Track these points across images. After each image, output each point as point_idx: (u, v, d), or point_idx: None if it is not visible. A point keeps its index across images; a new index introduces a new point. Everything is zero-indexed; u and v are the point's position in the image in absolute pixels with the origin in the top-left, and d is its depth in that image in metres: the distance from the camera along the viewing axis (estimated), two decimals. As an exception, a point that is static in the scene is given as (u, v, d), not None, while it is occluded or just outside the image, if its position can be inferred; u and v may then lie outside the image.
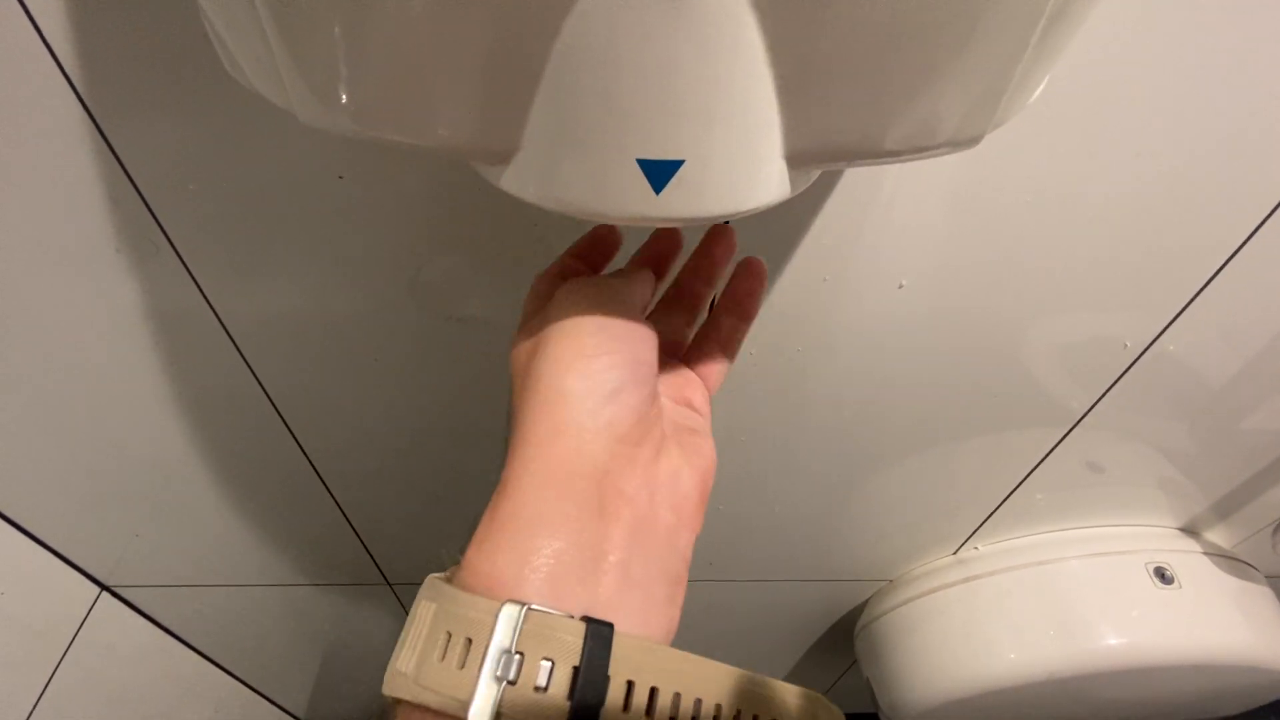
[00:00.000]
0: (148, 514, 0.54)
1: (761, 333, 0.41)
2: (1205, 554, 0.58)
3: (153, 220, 0.34)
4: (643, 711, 0.16)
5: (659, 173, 0.14)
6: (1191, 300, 0.40)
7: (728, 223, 0.27)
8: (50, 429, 0.46)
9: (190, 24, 0.27)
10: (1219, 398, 0.47)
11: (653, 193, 0.15)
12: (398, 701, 0.17)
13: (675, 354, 0.26)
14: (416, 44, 0.14)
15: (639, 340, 0.21)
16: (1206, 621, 0.55)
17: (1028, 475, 0.53)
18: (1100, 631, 0.54)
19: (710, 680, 0.18)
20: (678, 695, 0.17)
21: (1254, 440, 0.51)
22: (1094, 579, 0.57)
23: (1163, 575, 0.56)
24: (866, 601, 0.69)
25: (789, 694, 0.19)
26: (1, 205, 0.33)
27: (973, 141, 0.16)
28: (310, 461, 0.50)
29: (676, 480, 0.21)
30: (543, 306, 0.22)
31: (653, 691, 0.17)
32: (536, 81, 0.13)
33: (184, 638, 0.70)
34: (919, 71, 0.13)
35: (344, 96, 0.15)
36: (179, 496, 0.52)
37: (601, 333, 0.20)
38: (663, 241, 0.27)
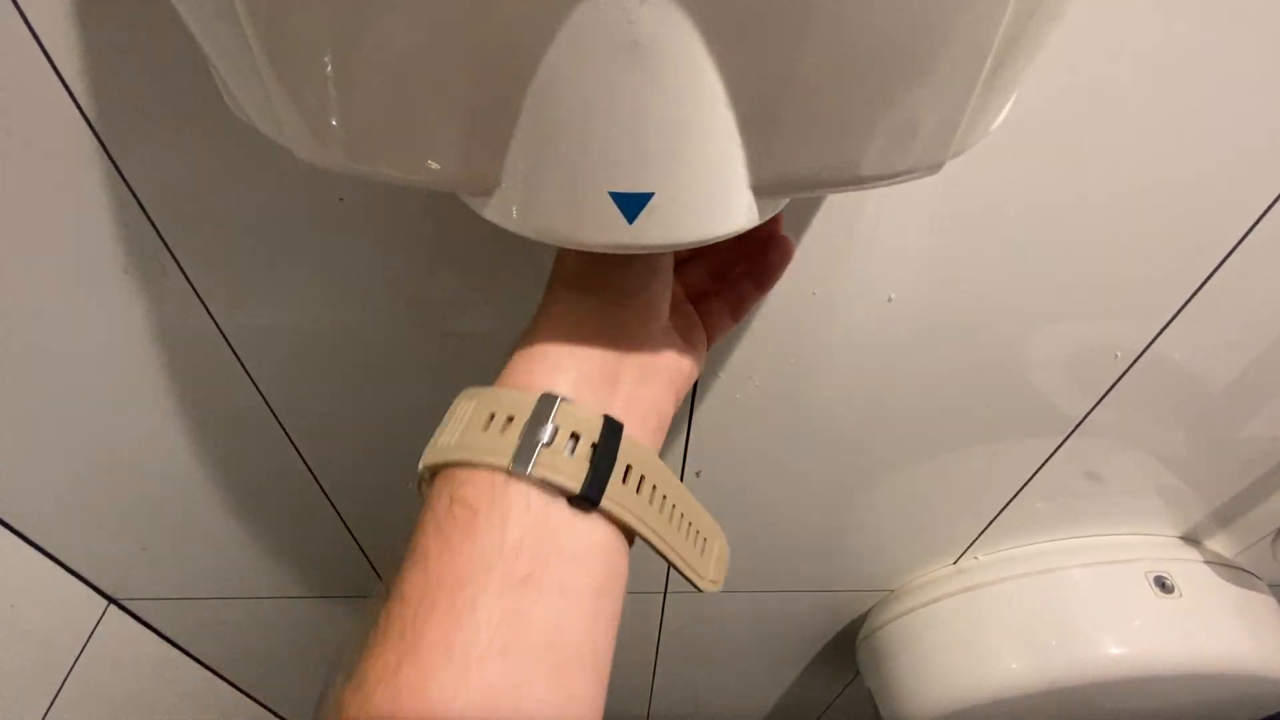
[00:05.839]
0: (155, 528, 0.55)
1: (755, 344, 0.41)
2: (1206, 562, 0.57)
3: (160, 242, 0.35)
4: (634, 490, 0.20)
5: (631, 204, 0.15)
6: (1183, 307, 0.40)
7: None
8: (59, 444, 0.47)
9: (194, 48, 0.28)
10: (1217, 404, 0.47)
11: (626, 222, 0.15)
12: (434, 474, 0.20)
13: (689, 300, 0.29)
14: (401, 84, 0.14)
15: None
16: (1208, 631, 0.54)
17: (1026, 484, 0.54)
18: (1101, 641, 0.54)
19: (686, 496, 0.23)
20: (657, 488, 0.21)
21: (1254, 447, 0.51)
22: (1094, 588, 0.56)
23: (1163, 584, 0.55)
24: (868, 612, 0.69)
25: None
26: (11, 228, 0.34)
27: (933, 169, 0.17)
28: (314, 475, 0.51)
29: (672, 354, 0.25)
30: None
31: (642, 479, 0.21)
32: (514, 121, 0.14)
33: (190, 651, 0.71)
34: (869, 111, 0.14)
35: (336, 134, 0.15)
36: (186, 510, 0.53)
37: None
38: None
